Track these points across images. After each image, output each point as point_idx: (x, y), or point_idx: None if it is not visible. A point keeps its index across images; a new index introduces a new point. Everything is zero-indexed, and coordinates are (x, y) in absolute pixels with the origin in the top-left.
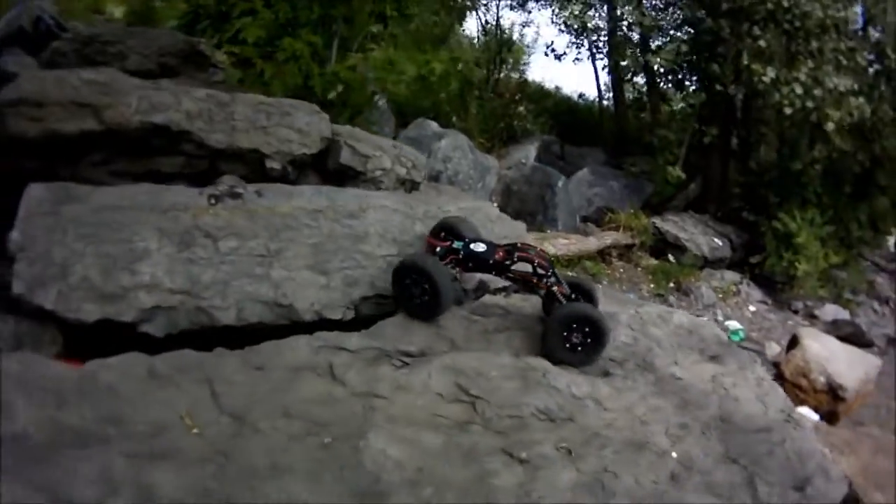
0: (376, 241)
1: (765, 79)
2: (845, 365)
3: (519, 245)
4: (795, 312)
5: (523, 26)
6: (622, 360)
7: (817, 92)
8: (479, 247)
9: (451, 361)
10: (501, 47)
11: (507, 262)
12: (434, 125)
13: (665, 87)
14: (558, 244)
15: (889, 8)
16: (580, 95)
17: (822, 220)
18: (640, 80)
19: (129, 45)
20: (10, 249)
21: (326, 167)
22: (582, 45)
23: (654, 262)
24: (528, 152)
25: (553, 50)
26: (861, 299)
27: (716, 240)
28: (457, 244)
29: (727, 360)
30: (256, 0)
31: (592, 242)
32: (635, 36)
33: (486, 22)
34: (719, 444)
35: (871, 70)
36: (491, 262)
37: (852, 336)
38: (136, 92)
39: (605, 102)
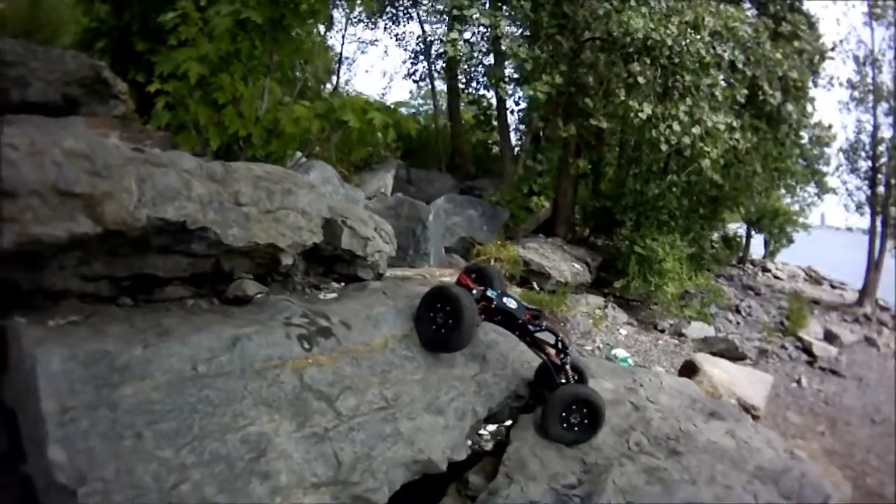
0: (462, 361)
1: (641, 115)
2: (748, 385)
3: (546, 315)
4: (662, 332)
5: (368, 44)
6: (676, 436)
7: (695, 130)
8: (512, 303)
9: (611, 484)
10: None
11: (532, 328)
12: (298, 155)
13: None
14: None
15: (763, 41)
16: (413, 110)
17: (682, 242)
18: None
19: (32, 68)
20: (58, 479)
21: (317, 251)
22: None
23: (518, 290)
24: (385, 180)
25: (412, 74)
26: (714, 311)
27: (576, 265)
28: (491, 293)
29: (722, 413)
30: (192, 26)
31: None
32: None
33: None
34: (775, 490)
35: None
36: (520, 321)
37: (727, 352)
38: (131, 169)
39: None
